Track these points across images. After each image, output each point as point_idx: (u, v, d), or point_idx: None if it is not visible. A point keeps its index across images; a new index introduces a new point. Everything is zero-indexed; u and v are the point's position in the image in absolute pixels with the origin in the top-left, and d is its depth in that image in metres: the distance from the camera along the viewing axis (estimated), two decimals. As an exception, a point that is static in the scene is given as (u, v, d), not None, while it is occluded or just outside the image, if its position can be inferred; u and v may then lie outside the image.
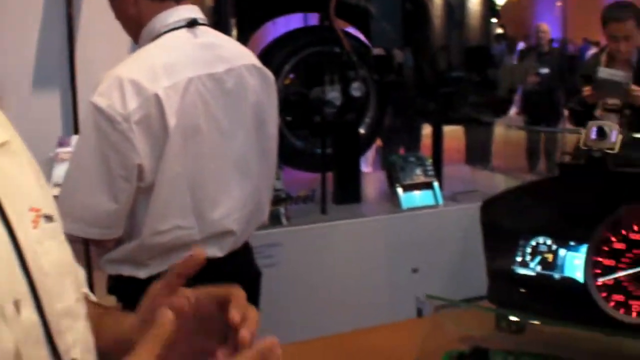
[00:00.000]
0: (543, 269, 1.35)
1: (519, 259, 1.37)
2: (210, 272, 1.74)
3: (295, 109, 2.99)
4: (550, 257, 1.34)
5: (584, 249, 1.30)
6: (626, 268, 1.26)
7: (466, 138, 5.31)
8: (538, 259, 1.35)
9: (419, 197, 2.90)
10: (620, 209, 1.25)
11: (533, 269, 1.36)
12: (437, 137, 3.08)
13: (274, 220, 2.66)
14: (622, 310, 1.25)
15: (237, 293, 0.79)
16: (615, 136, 1.22)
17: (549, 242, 1.35)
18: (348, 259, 2.84)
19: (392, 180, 2.92)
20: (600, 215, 1.27)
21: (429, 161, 2.96)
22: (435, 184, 2.92)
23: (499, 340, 1.37)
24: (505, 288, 1.36)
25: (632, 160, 1.29)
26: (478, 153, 4.66)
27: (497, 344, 1.34)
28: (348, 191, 2.98)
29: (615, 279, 1.26)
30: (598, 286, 1.27)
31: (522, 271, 1.36)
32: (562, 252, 1.33)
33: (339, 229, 2.84)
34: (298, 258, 2.72)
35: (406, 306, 2.42)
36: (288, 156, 3.02)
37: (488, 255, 1.37)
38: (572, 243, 1.32)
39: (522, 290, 1.34)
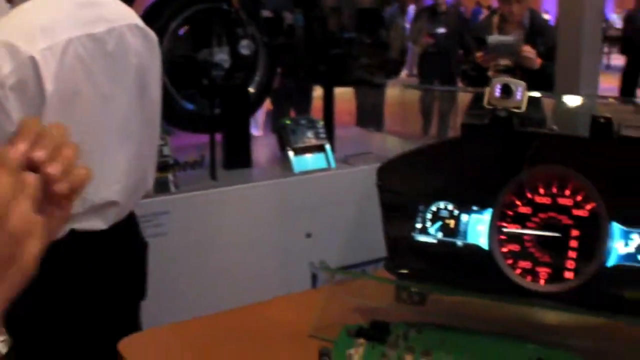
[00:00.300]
0: (444, 235, 1.25)
1: (418, 225, 1.26)
2: (94, 245, 1.63)
3: (183, 72, 2.84)
4: (452, 223, 1.25)
5: (487, 214, 1.21)
6: (532, 233, 1.18)
7: (357, 100, 5.23)
8: (439, 225, 1.26)
9: (311, 161, 2.79)
10: (524, 171, 1.16)
11: (434, 236, 1.26)
12: (328, 99, 2.97)
13: (162, 187, 2.53)
14: (529, 278, 1.17)
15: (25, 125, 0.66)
16: (521, 94, 1.13)
17: (450, 207, 1.25)
18: (240, 225, 2.72)
19: (283, 143, 2.80)
20: (504, 178, 1.18)
21: (321, 124, 2.86)
22: (327, 147, 2.81)
23: (399, 312, 1.27)
24: (404, 257, 1.26)
25: (534, 120, 1.20)
26: (370, 115, 4.58)
27: (398, 316, 1.24)
28: (238, 156, 2.84)
29: (521, 245, 1.17)
30: (503, 253, 1.18)
31: (422, 238, 1.26)
32: (464, 217, 1.24)
33: (230, 194, 2.72)
34: (188, 226, 2.59)
35: (301, 271, 2.31)
36: (176, 118, 2.86)
37: (386, 222, 1.26)
38: (475, 208, 1.23)
39: (423, 258, 1.24)
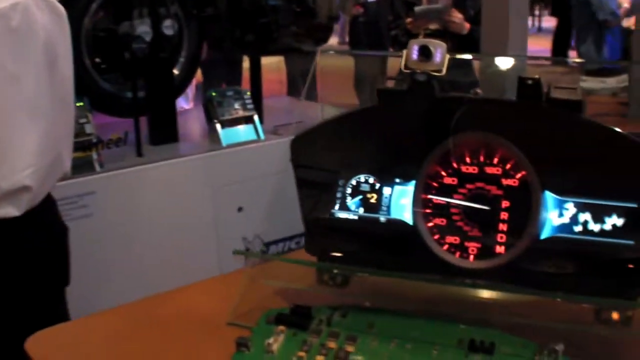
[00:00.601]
0: (366, 211, 1.14)
1: (338, 202, 1.15)
2: (8, 233, 1.49)
3: (104, 47, 2.67)
4: (373, 197, 1.13)
5: (411, 186, 1.10)
6: (459, 205, 1.07)
7: (287, 68, 5.08)
8: (359, 200, 1.14)
9: (239, 133, 2.65)
10: (449, 140, 1.05)
11: (355, 212, 1.14)
12: (255, 69, 2.83)
13: (87, 167, 2.38)
14: (457, 254, 1.06)
15: None
16: (440, 56, 1.01)
17: (371, 180, 1.14)
18: (169, 202, 2.58)
19: (210, 116, 2.65)
20: (427, 147, 1.07)
21: (248, 94, 2.71)
22: (256, 118, 2.67)
23: (322, 294, 1.16)
24: (324, 236, 1.14)
25: (464, 85, 1.09)
26: (300, 84, 4.43)
27: (320, 299, 1.13)
28: (164, 131, 2.69)
29: (448, 219, 1.07)
30: (429, 228, 1.08)
31: (342, 215, 1.15)
32: (386, 191, 1.13)
33: (157, 171, 2.57)
34: (115, 206, 2.44)
35: (235, 246, 2.19)
36: (98, 101, 2.69)
37: (302, 200, 1.14)
38: (397, 180, 1.12)
39: (344, 237, 1.13)
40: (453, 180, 1.08)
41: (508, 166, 1.05)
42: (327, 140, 1.14)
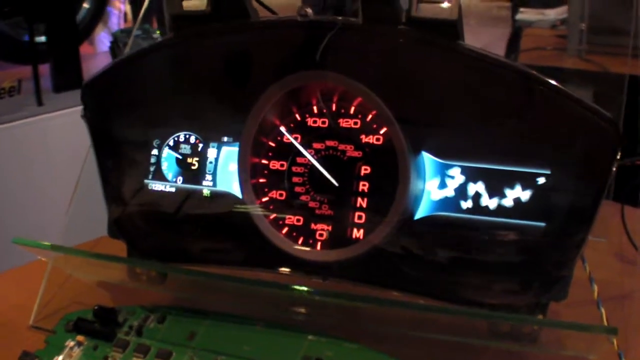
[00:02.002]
0: (186, 181, 0.78)
1: (152, 168, 0.78)
2: None
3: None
4: (194, 162, 0.77)
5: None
6: (302, 173, 0.71)
7: None
8: (178, 166, 0.78)
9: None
10: (284, 82, 0.69)
11: (172, 183, 0.78)
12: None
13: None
14: (300, 240, 0.71)
15: None
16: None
17: (193, 139, 0.77)
18: (75, 153, 2.19)
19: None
20: (255, 93, 0.70)
21: (158, 33, 2.32)
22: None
23: (137, 292, 0.81)
24: (133, 216, 0.78)
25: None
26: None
27: (129, 299, 0.78)
28: (68, 77, 2.30)
29: (288, 192, 0.71)
30: (262, 204, 0.72)
31: (157, 187, 0.78)
32: (211, 153, 0.77)
33: (60, 120, 2.19)
34: (15, 160, 2.07)
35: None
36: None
37: (103, 169, 0.77)
38: (225, 139, 0.75)
39: (158, 217, 0.77)
40: (295, 138, 0.71)
41: (369, 118, 0.69)
42: (129, 85, 0.76)
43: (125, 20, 3.79)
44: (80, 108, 1.92)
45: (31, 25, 2.23)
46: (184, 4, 0.68)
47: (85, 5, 2.54)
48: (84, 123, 1.95)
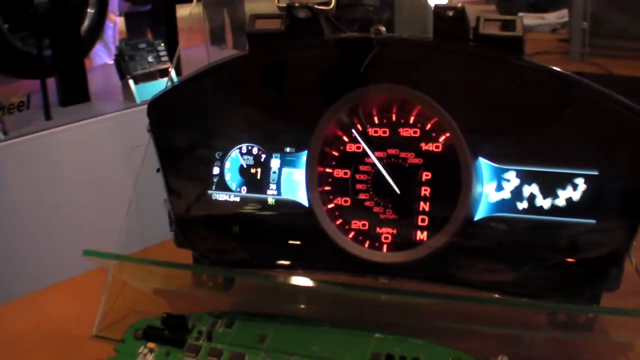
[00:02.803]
0: (250, 191, 0.82)
1: (215, 179, 0.83)
2: None
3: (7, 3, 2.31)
4: (257, 172, 0.81)
5: (304, 156, 0.78)
6: (367, 180, 0.76)
7: (208, 16, 4.66)
8: (242, 177, 0.82)
9: (154, 88, 2.29)
10: (349, 95, 0.74)
11: (237, 193, 0.83)
12: (170, 17, 2.46)
13: (-11, 136, 2.03)
14: (366, 244, 0.76)
15: None
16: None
17: (255, 151, 0.82)
18: (83, 167, 2.23)
19: (122, 71, 2.29)
20: (321, 106, 0.75)
21: (162, 45, 2.35)
22: (172, 71, 2.31)
23: (200, 299, 0.85)
24: (198, 226, 0.82)
25: (359, 22, 0.77)
26: (221, 31, 4.04)
27: (197, 306, 0.82)
28: (74, 91, 2.33)
29: (353, 198, 0.76)
30: (328, 211, 0.77)
31: (220, 197, 0.83)
32: (274, 163, 0.81)
33: (68, 134, 2.21)
34: (25, 174, 2.08)
35: (157, 211, 1.84)
36: (12, 62, 2.35)
37: (168, 180, 0.82)
38: (287, 150, 0.80)
39: (223, 225, 0.81)
40: (358, 147, 0.76)
41: (428, 127, 0.74)
42: (194, 102, 0.81)
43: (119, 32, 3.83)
44: (86, 121, 1.95)
45: (39, 39, 2.26)
46: (257, 22, 0.73)
47: (86, 21, 2.57)
48: (91, 135, 1.98)
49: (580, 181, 0.71)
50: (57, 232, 2.12)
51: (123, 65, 2.31)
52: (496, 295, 0.71)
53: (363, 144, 0.76)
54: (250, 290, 0.84)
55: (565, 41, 1.94)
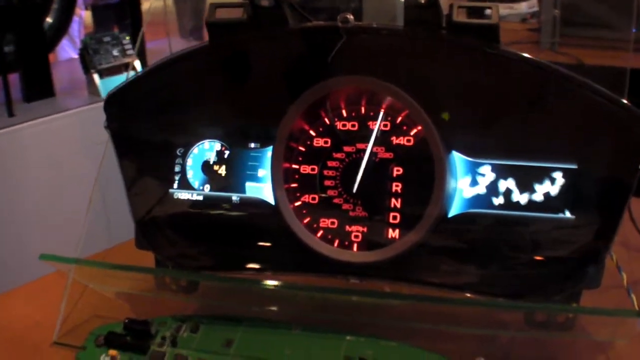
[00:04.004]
0: (214, 189, 0.78)
1: (177, 177, 0.78)
2: None
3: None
4: (221, 170, 0.77)
5: (269, 152, 0.74)
6: (335, 176, 0.72)
7: (176, 7, 4.57)
8: (205, 174, 0.78)
9: (120, 81, 2.22)
10: (315, 88, 0.69)
11: (199, 191, 0.78)
12: (135, 10, 2.40)
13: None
14: (336, 243, 0.71)
15: None
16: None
17: (218, 146, 0.77)
18: (48, 164, 2.16)
19: (87, 66, 2.23)
20: (286, 99, 0.70)
21: (127, 39, 2.29)
22: (137, 64, 2.26)
23: (167, 302, 0.81)
24: (160, 226, 0.77)
25: (318, 10, 0.73)
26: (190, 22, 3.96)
27: (165, 309, 0.78)
28: (39, 86, 2.26)
29: (321, 195, 0.72)
30: (295, 209, 0.72)
31: (183, 196, 0.78)
32: (238, 160, 0.77)
33: (30, 130, 2.14)
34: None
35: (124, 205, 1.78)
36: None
37: (127, 179, 0.77)
38: (252, 145, 0.76)
39: (186, 226, 0.77)
40: (325, 142, 0.72)
41: (399, 119, 0.70)
42: (152, 96, 0.76)
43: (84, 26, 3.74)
44: (50, 117, 1.88)
45: (0, 35, 2.19)
46: (217, 11, 0.68)
47: (49, 17, 2.49)
48: (55, 131, 1.91)
49: (558, 175, 0.67)
50: (21, 233, 2.06)
51: (87, 59, 2.25)
52: (469, 296, 0.67)
53: (331, 139, 0.72)
54: (215, 292, 0.80)
55: (536, 31, 1.91)
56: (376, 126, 0.70)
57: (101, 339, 0.76)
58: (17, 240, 2.02)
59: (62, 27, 2.53)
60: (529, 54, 0.68)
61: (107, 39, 2.28)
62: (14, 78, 2.24)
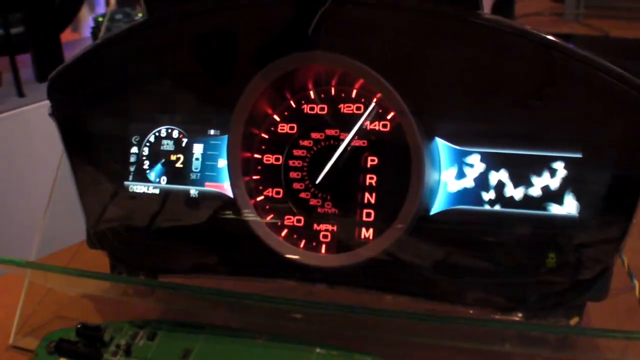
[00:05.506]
0: (171, 181, 0.68)
1: (132, 169, 0.68)
2: None
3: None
4: (178, 159, 0.67)
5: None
6: (302, 167, 0.62)
7: None
8: (162, 165, 0.68)
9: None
10: (277, 65, 0.59)
11: (156, 184, 0.68)
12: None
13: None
14: (301, 244, 0.61)
15: None
16: None
17: (175, 134, 0.67)
18: (60, 145, 2.08)
19: (99, 41, 2.14)
20: (244, 80, 0.60)
21: (140, 15, 2.19)
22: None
23: (119, 304, 0.72)
24: (113, 223, 0.68)
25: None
26: None
27: (115, 311, 0.69)
28: (51, 65, 2.18)
29: (285, 189, 0.61)
30: (256, 204, 0.62)
31: (138, 189, 0.68)
32: (196, 149, 0.67)
33: (43, 110, 2.07)
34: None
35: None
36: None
37: (77, 171, 0.67)
38: (212, 132, 0.65)
39: (142, 223, 0.67)
40: (291, 128, 0.62)
41: (373, 102, 0.59)
42: (99, 77, 0.66)
43: (108, 4, 3.66)
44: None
45: (6, 15, 2.12)
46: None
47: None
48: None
49: (559, 166, 0.56)
50: (31, 213, 1.99)
51: (100, 35, 2.17)
52: (440, 304, 0.57)
53: (297, 124, 0.61)
54: (171, 297, 0.70)
55: (560, 2, 1.78)
56: (349, 110, 0.59)
57: (52, 345, 0.67)
58: (27, 222, 1.96)
59: (75, 3, 2.45)
60: (552, 26, 0.56)
61: (119, 16, 2.19)
62: (27, 58, 2.19)
